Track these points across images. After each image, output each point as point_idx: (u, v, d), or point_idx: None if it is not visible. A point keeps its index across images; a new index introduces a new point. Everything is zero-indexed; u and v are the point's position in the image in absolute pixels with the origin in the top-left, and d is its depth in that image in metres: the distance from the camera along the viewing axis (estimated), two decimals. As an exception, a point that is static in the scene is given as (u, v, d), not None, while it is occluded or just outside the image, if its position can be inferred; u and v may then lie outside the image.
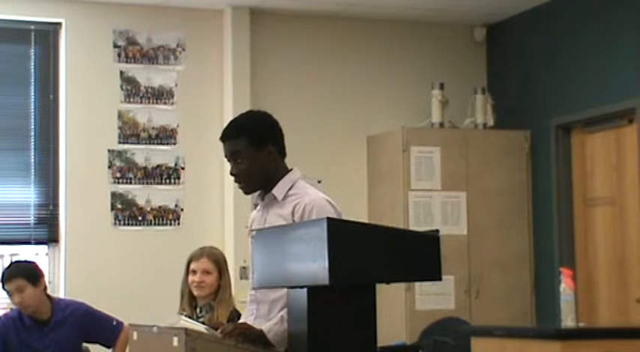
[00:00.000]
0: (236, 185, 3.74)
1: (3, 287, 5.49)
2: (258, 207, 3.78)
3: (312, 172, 7.37)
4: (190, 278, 5.02)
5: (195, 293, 4.99)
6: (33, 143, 7.36)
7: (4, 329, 5.47)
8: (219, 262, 5.02)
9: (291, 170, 3.73)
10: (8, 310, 5.75)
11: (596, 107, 7.20)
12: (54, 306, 5.50)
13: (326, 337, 3.16)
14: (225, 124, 3.83)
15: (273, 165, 3.67)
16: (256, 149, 3.63)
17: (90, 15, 7.49)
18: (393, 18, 8.06)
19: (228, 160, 3.71)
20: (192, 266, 5.03)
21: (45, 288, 5.53)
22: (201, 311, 4.95)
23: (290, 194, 3.65)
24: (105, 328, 5.59)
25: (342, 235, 3.05)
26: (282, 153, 3.73)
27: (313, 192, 3.66)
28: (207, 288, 4.97)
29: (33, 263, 5.68)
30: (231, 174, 3.70)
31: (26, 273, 5.44)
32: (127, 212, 7.44)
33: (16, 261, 5.82)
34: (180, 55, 7.67)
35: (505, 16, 8.09)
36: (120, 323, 5.61)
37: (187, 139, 7.58)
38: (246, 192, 3.77)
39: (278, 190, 3.66)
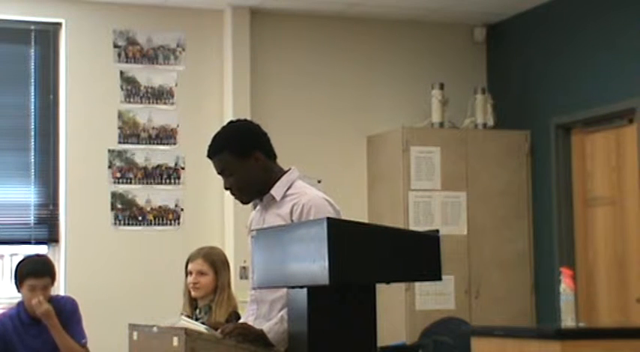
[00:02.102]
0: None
1: (23, 281, 5.42)
2: (257, 207, 3.78)
3: (312, 172, 7.42)
4: (188, 279, 5.02)
5: (192, 294, 4.99)
6: (33, 143, 7.36)
7: (3, 328, 5.47)
8: (215, 263, 4.99)
9: (288, 170, 3.74)
10: (6, 310, 5.75)
11: (596, 107, 7.20)
12: (51, 303, 5.50)
13: (326, 337, 3.16)
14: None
15: (263, 170, 3.67)
16: (242, 159, 3.65)
17: (90, 15, 7.49)
18: (393, 18, 8.06)
19: (221, 175, 3.72)
20: (189, 267, 5.02)
21: None
22: (200, 312, 4.94)
23: (288, 194, 3.65)
24: (76, 332, 5.53)
25: (342, 235, 3.05)
26: (271, 156, 3.73)
27: (311, 191, 3.67)
28: (203, 289, 4.96)
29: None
30: (225, 188, 3.73)
31: (53, 273, 5.47)
32: (127, 212, 7.44)
33: (38, 255, 5.77)
34: (180, 55, 7.67)
35: (505, 16, 8.09)
36: (86, 347, 5.57)
37: (187, 139, 7.58)
38: (244, 203, 3.78)
39: (276, 190, 3.67)
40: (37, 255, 5.78)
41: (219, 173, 3.72)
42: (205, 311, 4.92)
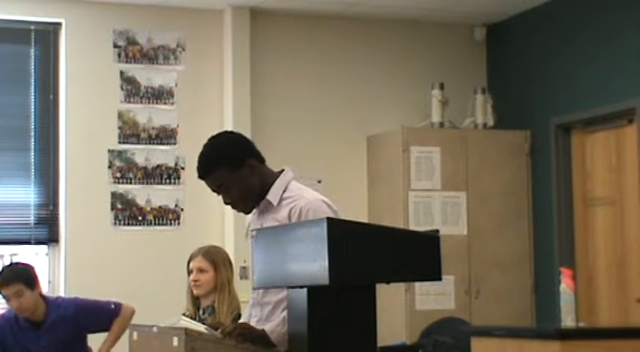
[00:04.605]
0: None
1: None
2: (255, 212, 3.74)
3: (312, 172, 7.43)
4: (189, 277, 5.02)
5: (194, 292, 4.99)
6: (33, 143, 7.36)
7: (1, 331, 5.45)
8: (215, 261, 4.99)
9: (282, 171, 3.70)
10: (4, 311, 5.72)
11: (596, 107, 7.20)
12: (48, 306, 5.47)
13: (326, 337, 3.16)
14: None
15: (258, 176, 3.64)
16: (237, 171, 3.60)
17: (90, 15, 7.49)
18: (393, 18, 8.06)
19: (217, 193, 3.68)
20: (190, 265, 5.03)
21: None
22: (204, 313, 4.93)
23: (285, 197, 3.62)
24: (103, 315, 5.54)
25: (342, 235, 3.05)
26: (261, 159, 3.70)
27: (308, 193, 3.64)
28: (203, 287, 4.95)
29: (28, 265, 5.64)
30: (226, 203, 3.69)
31: (24, 278, 5.40)
32: (127, 212, 7.44)
33: (10, 265, 5.77)
34: (180, 55, 7.67)
35: (505, 16, 8.09)
36: (118, 306, 5.57)
37: (187, 139, 7.57)
38: (246, 213, 3.76)
39: (272, 195, 3.63)
40: (9, 264, 5.77)
41: (214, 190, 3.67)
42: (209, 312, 4.91)
